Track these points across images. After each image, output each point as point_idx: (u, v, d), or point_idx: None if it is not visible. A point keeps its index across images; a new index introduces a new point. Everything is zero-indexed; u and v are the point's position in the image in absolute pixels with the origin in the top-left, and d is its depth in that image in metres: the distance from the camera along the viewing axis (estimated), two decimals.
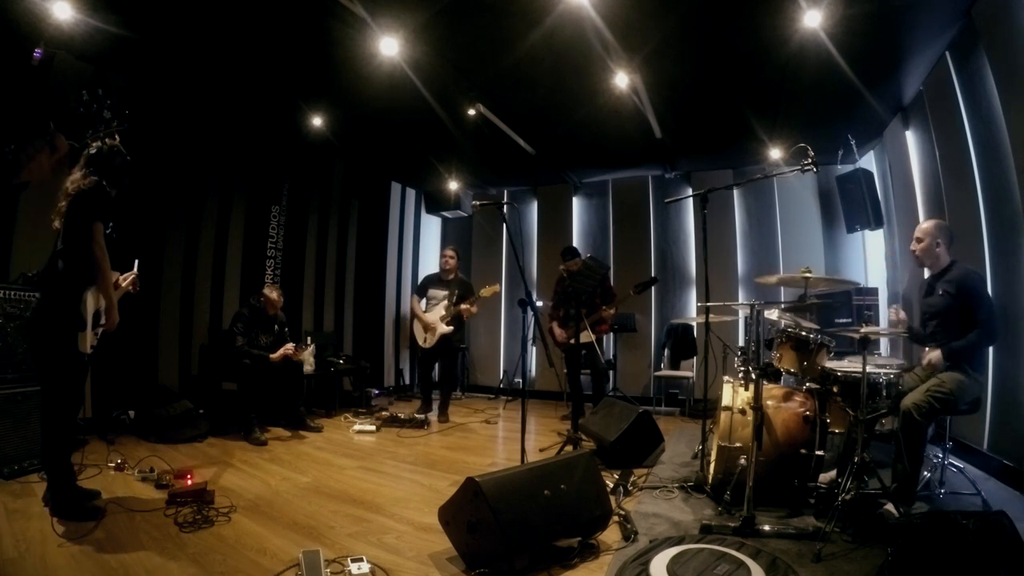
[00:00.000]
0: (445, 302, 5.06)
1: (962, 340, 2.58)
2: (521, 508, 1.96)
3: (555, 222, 7.08)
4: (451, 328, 5.02)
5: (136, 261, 2.90)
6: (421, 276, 7.64)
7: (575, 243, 6.74)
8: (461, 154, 5.96)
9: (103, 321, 2.45)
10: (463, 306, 4.95)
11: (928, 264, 2.86)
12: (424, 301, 5.20)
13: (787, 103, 4.51)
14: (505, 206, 3.51)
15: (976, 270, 2.79)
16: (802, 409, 2.74)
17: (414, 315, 5.16)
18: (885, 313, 5.23)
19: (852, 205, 5.25)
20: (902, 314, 3.00)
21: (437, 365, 5.53)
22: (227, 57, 3.96)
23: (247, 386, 4.19)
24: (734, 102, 4.54)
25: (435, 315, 5.04)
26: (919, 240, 2.82)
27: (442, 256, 5.23)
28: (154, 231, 4.53)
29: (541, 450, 3.95)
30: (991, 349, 3.26)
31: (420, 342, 5.13)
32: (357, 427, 4.57)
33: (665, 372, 5.98)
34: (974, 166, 3.43)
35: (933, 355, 2.67)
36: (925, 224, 2.85)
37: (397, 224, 7.38)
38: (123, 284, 2.71)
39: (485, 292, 4.97)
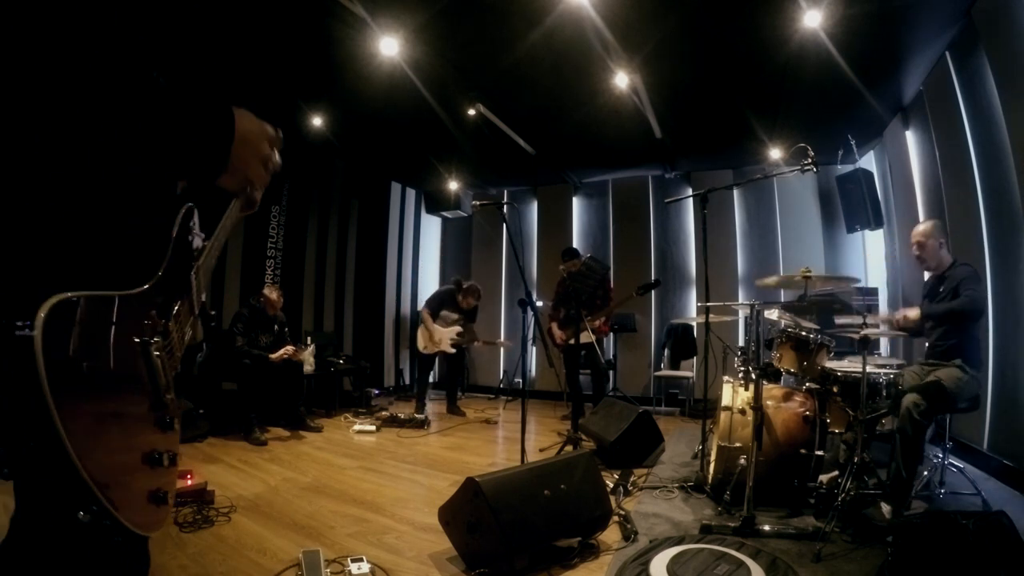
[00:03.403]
0: (457, 328, 5.27)
1: (942, 305, 2.64)
2: (521, 508, 1.96)
3: (555, 222, 7.08)
4: (454, 351, 5.27)
5: None
6: (421, 276, 7.70)
7: (575, 243, 6.75)
8: (461, 154, 5.96)
9: None
10: (476, 343, 5.42)
11: (933, 266, 2.84)
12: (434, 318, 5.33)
13: (787, 103, 4.51)
14: (505, 206, 3.51)
15: (973, 266, 2.79)
16: (802, 409, 2.74)
17: (424, 324, 5.26)
18: (885, 314, 5.22)
19: (852, 205, 5.25)
20: (899, 313, 3.00)
21: (446, 364, 5.62)
22: (227, 57, 3.96)
23: (247, 386, 4.19)
24: (734, 102, 4.54)
25: (447, 332, 5.22)
26: (921, 245, 2.81)
27: (471, 293, 5.30)
28: None
29: (541, 450, 3.95)
30: (991, 348, 3.27)
31: (420, 348, 5.26)
32: (357, 427, 4.57)
33: (665, 372, 5.97)
34: (974, 166, 3.43)
35: (910, 311, 2.81)
36: (922, 227, 2.84)
37: (397, 224, 7.38)
38: None
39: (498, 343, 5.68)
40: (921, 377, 2.69)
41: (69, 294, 0.68)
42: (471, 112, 4.61)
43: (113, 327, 0.77)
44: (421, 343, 5.23)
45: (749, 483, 2.35)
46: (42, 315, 0.63)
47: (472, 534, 1.98)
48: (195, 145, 0.73)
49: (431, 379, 5.46)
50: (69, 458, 0.64)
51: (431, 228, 7.97)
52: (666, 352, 6.12)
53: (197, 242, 1.01)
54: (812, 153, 2.68)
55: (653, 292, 6.25)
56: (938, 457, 2.91)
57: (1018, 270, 3.03)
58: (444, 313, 5.27)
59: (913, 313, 2.84)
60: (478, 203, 3.45)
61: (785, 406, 2.78)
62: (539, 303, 6.31)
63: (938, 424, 3.06)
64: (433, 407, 5.78)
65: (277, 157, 0.87)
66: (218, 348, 4.78)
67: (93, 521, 0.68)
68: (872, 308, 4.91)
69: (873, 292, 5.07)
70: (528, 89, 4.42)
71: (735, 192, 6.15)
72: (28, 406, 0.63)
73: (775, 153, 5.32)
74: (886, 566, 1.76)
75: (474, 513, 1.96)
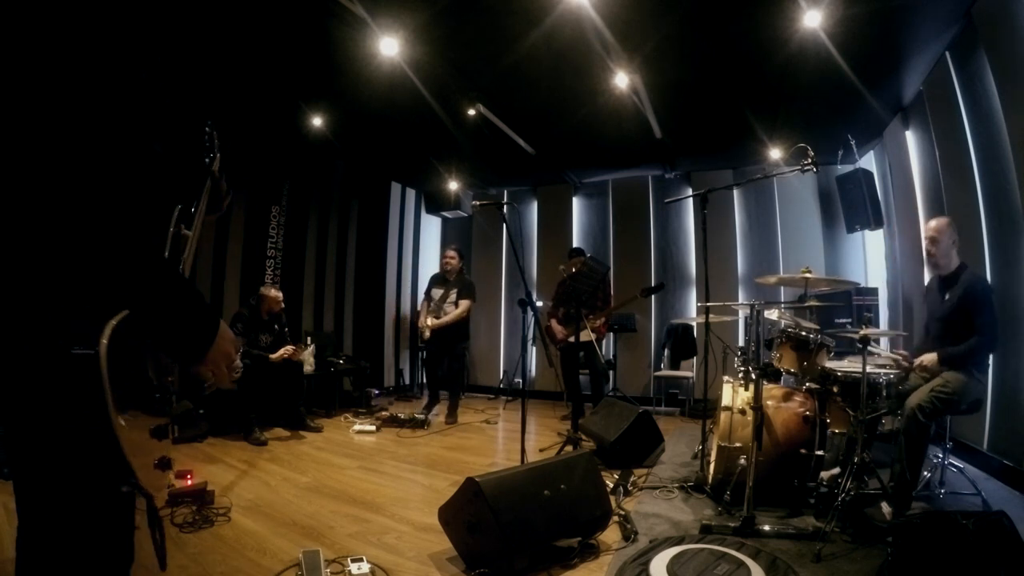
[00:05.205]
0: (446, 300, 5.16)
1: (960, 346, 2.57)
2: (521, 508, 1.96)
3: (555, 222, 7.08)
4: (440, 321, 5.03)
5: None
6: (421, 276, 7.70)
7: (575, 243, 6.74)
8: (461, 154, 5.96)
9: None
10: (439, 319, 5.06)
11: (942, 265, 2.76)
12: (429, 302, 5.26)
13: (787, 103, 4.51)
14: (505, 206, 3.51)
15: (983, 277, 2.73)
16: (802, 409, 2.74)
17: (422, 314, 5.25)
18: (885, 313, 5.23)
19: (852, 205, 5.25)
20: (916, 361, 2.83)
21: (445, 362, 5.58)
22: (227, 57, 3.96)
23: (247, 386, 4.19)
24: (734, 102, 4.54)
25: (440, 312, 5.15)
26: (935, 240, 2.71)
27: (444, 256, 5.27)
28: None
29: (541, 450, 3.95)
30: None
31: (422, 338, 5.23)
32: (357, 427, 4.57)
33: (665, 372, 5.97)
34: (974, 166, 3.43)
35: (927, 358, 2.67)
36: (936, 223, 2.74)
37: (397, 224, 7.38)
38: None
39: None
40: (926, 379, 2.68)
41: (118, 318, 0.84)
42: (471, 112, 4.61)
43: (134, 332, 0.92)
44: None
45: (749, 483, 2.36)
46: (104, 341, 0.81)
47: (472, 534, 1.98)
48: (185, 345, 0.94)
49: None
50: (120, 449, 0.84)
51: (431, 228, 7.97)
52: (666, 352, 6.11)
53: (184, 233, 1.18)
54: (812, 153, 2.68)
55: None
56: (938, 457, 2.91)
57: (1018, 270, 3.03)
58: (432, 292, 5.20)
59: (930, 359, 2.64)
60: (478, 203, 3.45)
61: (785, 406, 2.78)
62: (539, 303, 6.31)
63: (938, 424, 3.05)
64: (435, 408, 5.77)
65: (238, 361, 1.10)
66: None
67: (129, 492, 0.88)
68: (872, 309, 4.90)
69: (873, 292, 5.07)
70: (528, 89, 4.41)
71: (735, 192, 6.15)
72: (87, 412, 0.81)
73: (775, 153, 5.32)
74: (886, 566, 1.76)
75: (474, 513, 1.96)
